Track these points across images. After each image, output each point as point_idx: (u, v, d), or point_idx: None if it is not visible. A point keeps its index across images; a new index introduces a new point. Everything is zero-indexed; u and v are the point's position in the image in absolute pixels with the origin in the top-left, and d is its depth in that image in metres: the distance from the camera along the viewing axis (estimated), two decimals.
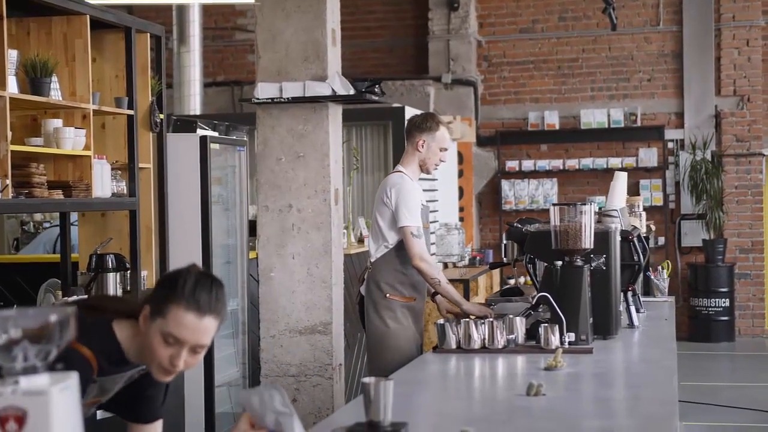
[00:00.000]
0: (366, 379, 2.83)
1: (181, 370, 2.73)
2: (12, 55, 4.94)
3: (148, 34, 6.12)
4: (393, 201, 5.25)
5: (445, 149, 5.48)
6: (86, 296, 5.28)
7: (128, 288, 5.83)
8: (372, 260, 5.40)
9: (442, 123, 5.46)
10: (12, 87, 4.90)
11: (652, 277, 6.69)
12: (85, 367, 2.68)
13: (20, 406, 1.76)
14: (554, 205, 4.60)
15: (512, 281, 10.92)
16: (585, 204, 4.56)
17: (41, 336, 1.80)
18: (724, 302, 12.66)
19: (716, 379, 10.71)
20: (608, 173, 12.05)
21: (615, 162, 13.05)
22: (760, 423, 8.41)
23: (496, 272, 11.30)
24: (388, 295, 5.30)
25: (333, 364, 5.82)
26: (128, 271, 5.82)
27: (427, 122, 5.43)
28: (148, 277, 6.08)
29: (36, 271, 6.70)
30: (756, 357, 12.05)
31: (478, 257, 10.96)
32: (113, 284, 5.66)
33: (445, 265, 10.50)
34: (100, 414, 4.57)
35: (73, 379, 1.83)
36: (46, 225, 8.78)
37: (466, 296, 8.96)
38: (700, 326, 12.73)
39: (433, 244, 10.15)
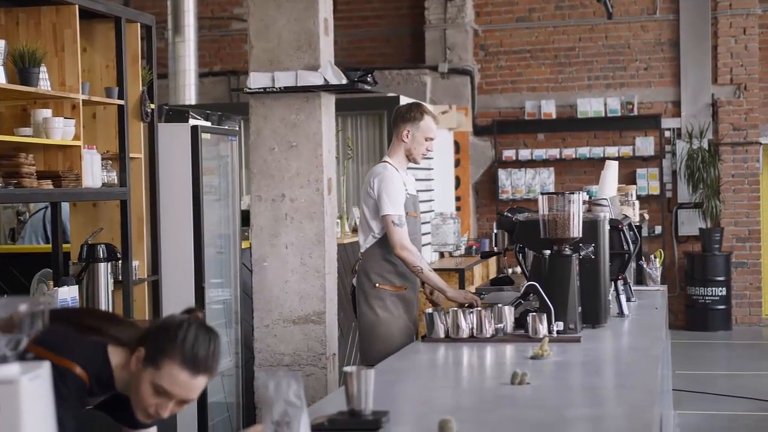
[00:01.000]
0: (347, 369, 2.84)
1: (164, 418, 2.72)
2: (0, 45, 4.93)
3: (139, 24, 6.11)
4: (375, 190, 5.29)
5: (431, 139, 5.46)
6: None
7: (119, 278, 5.83)
8: (361, 251, 5.42)
9: (427, 112, 5.46)
10: (0, 77, 4.90)
11: (645, 266, 6.69)
12: (79, 387, 2.68)
13: None
14: (543, 194, 4.61)
15: (509, 271, 10.92)
16: (573, 193, 4.56)
17: (11, 326, 1.80)
18: (721, 291, 12.67)
19: (713, 367, 10.72)
20: (605, 162, 12.03)
21: (612, 151, 13.04)
22: (755, 411, 8.42)
23: (493, 262, 11.31)
24: (377, 284, 5.32)
25: (326, 353, 5.82)
26: (119, 261, 5.82)
27: (411, 112, 5.44)
28: (140, 267, 6.08)
29: (30, 261, 6.71)
30: (752, 346, 12.06)
31: (474, 247, 10.96)
32: (104, 274, 5.66)
33: (441, 255, 10.51)
34: None
35: (44, 368, 1.83)
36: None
37: (461, 286, 8.97)
38: (697, 315, 12.74)
39: (428, 233, 10.17)
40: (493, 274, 11.02)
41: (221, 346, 2.76)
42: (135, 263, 6.01)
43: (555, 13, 13.48)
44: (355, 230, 8.97)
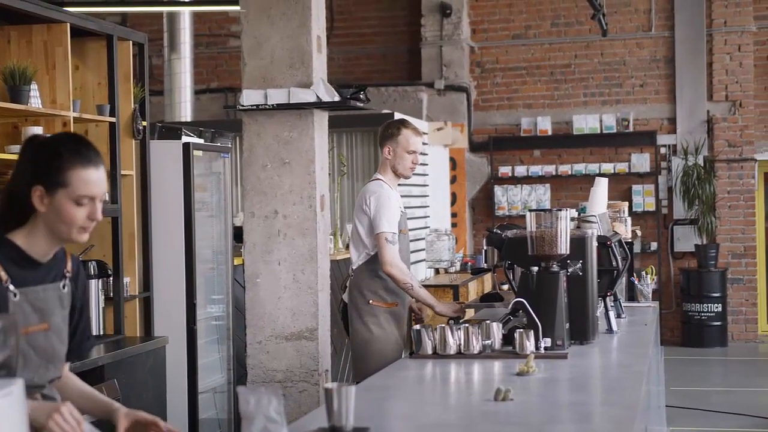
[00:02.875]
0: (328, 385, 2.86)
1: (96, 222, 2.86)
2: None
3: (131, 42, 6.14)
4: (372, 208, 5.37)
5: (413, 152, 5.53)
6: None
7: (111, 295, 5.84)
8: (353, 267, 5.46)
9: (405, 126, 5.55)
10: None
11: (636, 282, 6.70)
12: None
13: None
14: (530, 210, 4.62)
15: (505, 287, 10.92)
16: (561, 210, 4.58)
17: None
18: (717, 307, 12.67)
19: (708, 384, 10.72)
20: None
21: (607, 167, 13.07)
22: (751, 428, 8.42)
23: (488, 278, 11.32)
24: (371, 301, 5.36)
25: (319, 369, 5.83)
26: (110, 278, 5.83)
27: (388, 129, 5.56)
28: (131, 284, 6.10)
29: None
30: (748, 362, 12.04)
31: (469, 263, 10.96)
32: (95, 291, 5.67)
33: (437, 271, 10.51)
34: None
35: (17, 385, 1.84)
36: None
37: (456, 299, 8.97)
38: (693, 331, 12.74)
39: (422, 250, 10.18)
40: (488, 291, 11.02)
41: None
42: (126, 280, 6.03)
43: (551, 31, 13.52)
44: (348, 247, 8.99)
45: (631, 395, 3.53)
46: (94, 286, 5.68)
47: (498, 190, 13.41)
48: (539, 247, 4.54)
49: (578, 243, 4.69)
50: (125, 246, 6.01)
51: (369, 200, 5.39)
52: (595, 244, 4.85)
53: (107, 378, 5.21)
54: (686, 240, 13.04)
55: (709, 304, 12.66)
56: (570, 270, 4.61)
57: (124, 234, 5.97)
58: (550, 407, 3.48)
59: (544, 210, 4.62)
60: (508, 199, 13.40)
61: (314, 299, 5.78)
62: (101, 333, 5.72)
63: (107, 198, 5.86)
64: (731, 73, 13.05)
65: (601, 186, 5.80)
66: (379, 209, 5.34)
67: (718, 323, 12.70)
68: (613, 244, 5.20)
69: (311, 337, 5.80)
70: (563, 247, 4.53)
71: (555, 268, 4.56)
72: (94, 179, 2.83)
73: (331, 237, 8.28)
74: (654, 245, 13.01)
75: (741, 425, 8.50)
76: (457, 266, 10.59)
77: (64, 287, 2.97)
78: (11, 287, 2.80)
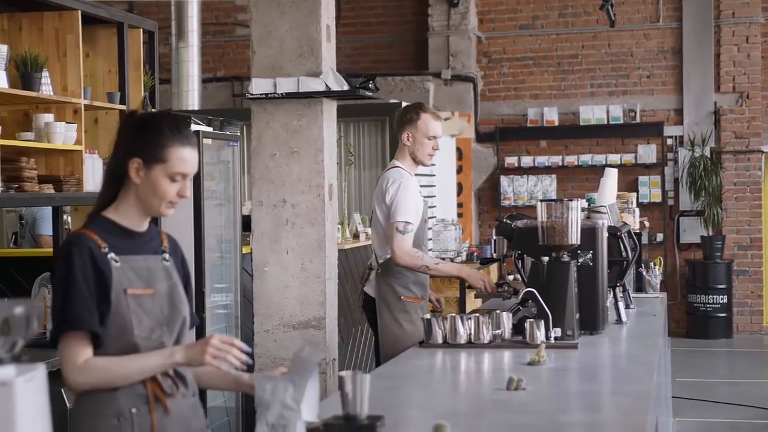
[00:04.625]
0: (342, 373, 2.86)
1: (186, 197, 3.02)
2: (2, 50, 4.96)
3: (141, 30, 6.14)
4: (390, 196, 5.26)
5: (433, 137, 5.40)
6: None
7: None
8: (380, 261, 5.35)
9: (425, 111, 5.40)
10: (2, 82, 4.93)
11: (644, 273, 6.70)
12: (83, 238, 2.91)
13: None
14: (541, 201, 4.62)
15: (510, 277, 10.92)
16: (572, 200, 4.57)
17: (7, 328, 1.82)
18: (722, 299, 12.67)
19: (713, 375, 10.73)
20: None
21: (614, 158, 13.06)
22: (756, 419, 8.42)
23: (494, 269, 11.32)
24: (402, 297, 5.26)
25: (326, 359, 5.83)
26: None
27: (407, 114, 5.41)
28: None
29: (31, 264, 6.72)
30: (753, 354, 12.06)
31: (476, 253, 10.96)
32: None
33: (443, 261, 10.51)
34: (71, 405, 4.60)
35: (39, 370, 1.85)
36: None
37: (462, 291, 8.96)
38: (698, 323, 12.74)
39: (430, 239, 10.17)
40: (494, 281, 11.01)
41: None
42: None
43: (558, 21, 13.51)
44: (356, 236, 8.99)
45: (644, 386, 3.54)
46: None
47: (504, 180, 13.41)
48: (550, 237, 4.54)
49: (589, 233, 4.69)
50: None
51: (389, 188, 5.28)
52: (605, 234, 4.85)
53: None
54: (692, 231, 13.03)
55: (715, 296, 12.66)
56: (580, 260, 4.61)
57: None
58: (563, 397, 3.49)
59: (555, 200, 4.61)
60: (514, 189, 13.40)
61: (322, 288, 5.78)
62: None
63: None
64: (739, 64, 13.04)
65: (611, 177, 5.80)
66: (396, 198, 5.22)
67: (724, 315, 12.71)
68: (622, 235, 5.20)
69: (319, 326, 5.80)
70: (574, 238, 4.53)
71: (565, 258, 4.55)
72: (189, 158, 2.96)
73: (339, 226, 8.27)
74: (660, 236, 13.01)
75: (746, 416, 8.51)
76: (464, 256, 10.59)
77: (165, 260, 3.08)
78: (111, 254, 2.92)
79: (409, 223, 5.23)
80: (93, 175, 5.52)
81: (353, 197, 10.30)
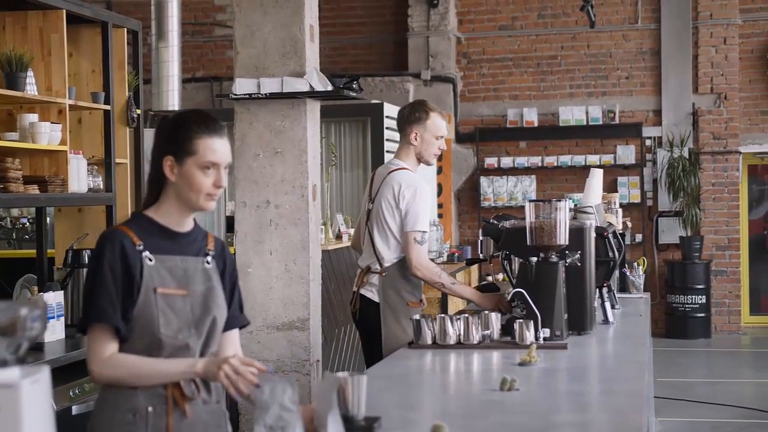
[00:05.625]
0: (340, 374, 2.85)
1: (222, 190, 3.05)
2: None
3: (125, 29, 6.11)
4: (406, 203, 5.08)
5: (441, 137, 5.24)
6: None
7: None
8: (386, 264, 5.17)
9: (432, 109, 5.24)
10: None
11: (628, 273, 6.72)
12: (117, 234, 2.96)
13: None
14: (530, 201, 4.62)
15: (489, 278, 10.94)
16: (560, 201, 4.58)
17: (12, 329, 1.80)
18: (701, 299, 12.74)
19: (692, 375, 10.78)
20: (586, 170, 11.98)
21: (593, 159, 13.11)
22: (736, 419, 8.47)
23: (475, 269, 11.34)
24: (409, 302, 5.16)
25: (310, 360, 5.83)
26: None
27: (415, 112, 5.22)
28: None
29: (12, 266, 6.67)
30: (732, 353, 12.12)
31: (456, 254, 10.98)
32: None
33: None
34: (75, 409, 4.58)
35: (44, 373, 1.83)
36: (24, 221, 8.73)
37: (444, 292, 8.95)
38: (677, 323, 12.81)
39: None
40: (475, 281, 11.05)
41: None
42: None
43: (537, 22, 13.54)
44: (339, 237, 8.97)
45: (636, 386, 3.55)
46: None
47: (484, 181, 13.43)
48: (538, 237, 4.55)
49: (577, 234, 4.70)
50: None
51: (404, 193, 5.08)
52: (593, 234, 4.86)
53: None
54: (671, 232, 13.10)
55: (693, 296, 12.73)
56: (569, 261, 4.62)
57: (118, 222, 5.94)
58: (556, 397, 3.50)
59: (544, 201, 4.62)
60: (494, 190, 13.42)
61: (306, 289, 5.77)
62: None
63: (101, 186, 5.83)
64: (717, 65, 13.11)
65: (597, 177, 5.81)
66: (414, 206, 5.04)
67: (702, 315, 12.78)
68: (609, 235, 5.22)
69: (303, 327, 5.80)
70: (562, 238, 4.54)
71: (554, 258, 4.56)
72: (218, 147, 3.00)
73: (322, 227, 8.26)
74: (639, 237, 13.07)
75: (726, 416, 8.56)
76: (445, 257, 10.60)
77: (207, 263, 3.09)
78: (147, 253, 2.96)
79: (425, 232, 5.10)
80: (78, 176, 5.48)
81: (335, 198, 10.28)
